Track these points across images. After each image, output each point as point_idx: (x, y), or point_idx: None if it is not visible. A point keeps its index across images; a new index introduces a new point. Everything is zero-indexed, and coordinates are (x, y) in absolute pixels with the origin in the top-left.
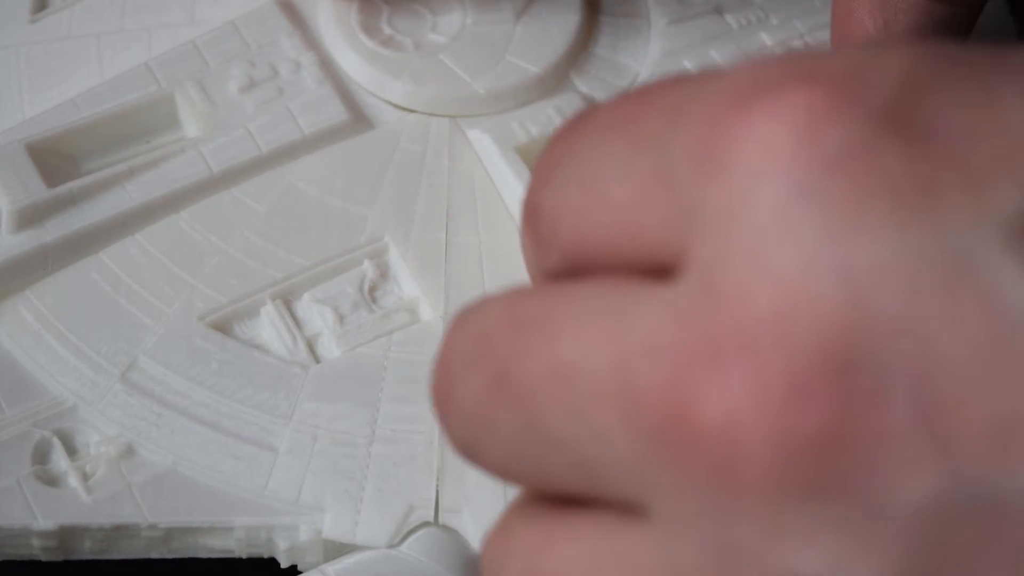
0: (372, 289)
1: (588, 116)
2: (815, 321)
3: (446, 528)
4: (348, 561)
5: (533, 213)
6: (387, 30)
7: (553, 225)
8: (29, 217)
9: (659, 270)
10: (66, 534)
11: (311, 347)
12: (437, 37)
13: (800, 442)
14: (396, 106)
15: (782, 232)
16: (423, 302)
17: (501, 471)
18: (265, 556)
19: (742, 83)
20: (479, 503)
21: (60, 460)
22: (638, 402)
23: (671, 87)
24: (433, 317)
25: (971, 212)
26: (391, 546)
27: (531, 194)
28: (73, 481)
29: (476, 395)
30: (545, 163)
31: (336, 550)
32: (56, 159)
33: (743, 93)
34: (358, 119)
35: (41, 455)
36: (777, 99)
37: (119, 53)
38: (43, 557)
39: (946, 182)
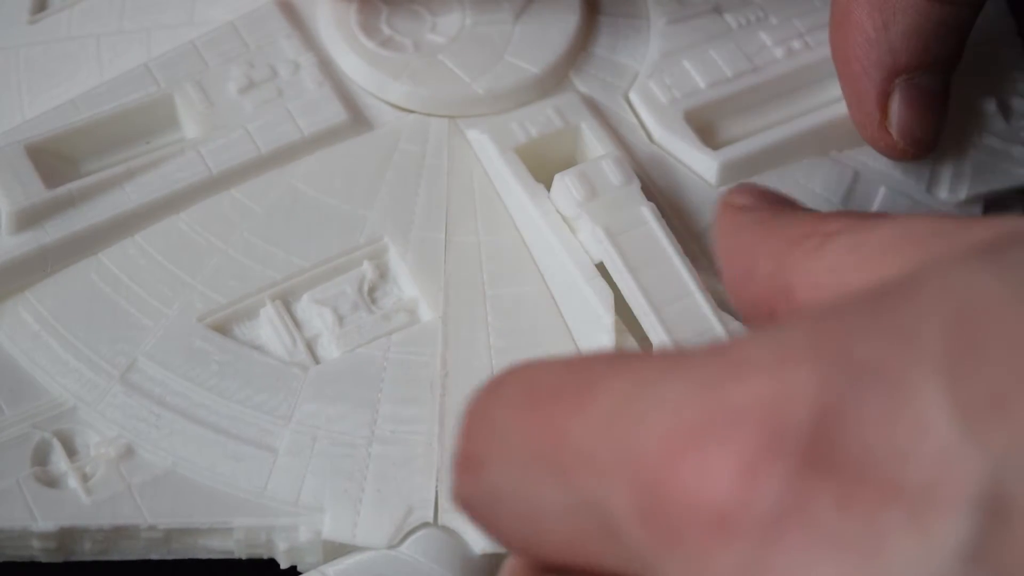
0: (371, 290)
1: (504, 401)
2: None
3: (445, 529)
4: (347, 562)
5: (466, 508)
6: (386, 31)
7: (493, 533)
8: (28, 218)
9: None
10: (66, 535)
11: (310, 348)
12: (436, 38)
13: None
14: (395, 106)
15: None
16: (422, 303)
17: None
18: (265, 557)
19: (667, 433)
20: None
21: (60, 461)
22: None
23: (585, 396)
24: (432, 318)
25: (920, 554)
26: (390, 547)
27: (458, 487)
28: (73, 482)
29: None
30: (467, 454)
31: (336, 551)
32: (55, 160)
33: (672, 449)
34: (357, 120)
35: (41, 456)
36: (705, 459)
37: (118, 54)
38: (43, 558)
39: (888, 523)
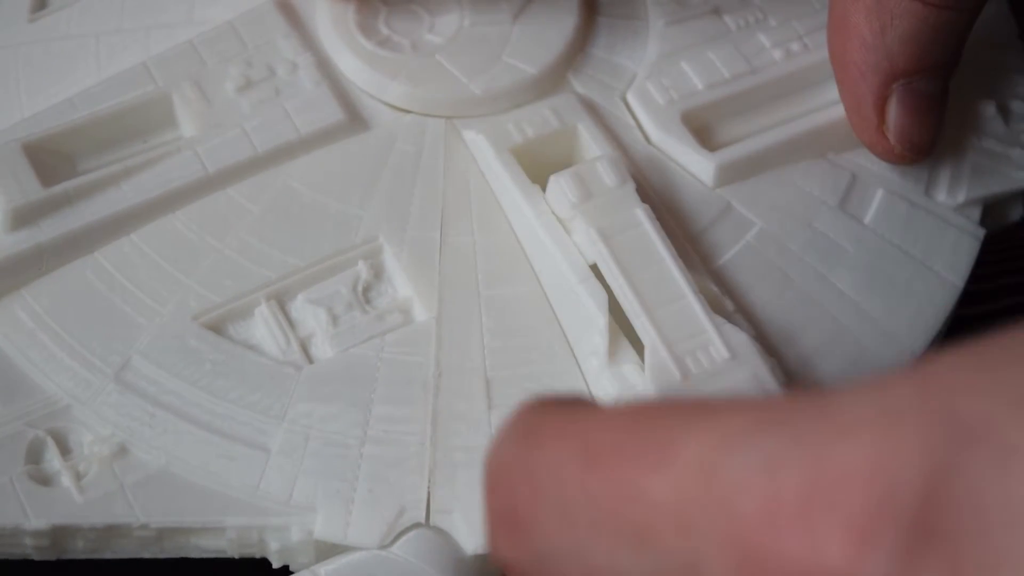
0: (366, 290)
1: (551, 457)
2: None
3: (437, 529)
4: (339, 562)
5: (512, 569)
6: (384, 31)
7: None
8: (25, 216)
9: None
10: (58, 533)
11: (304, 348)
12: (434, 38)
13: None
14: (392, 107)
15: None
16: (417, 303)
17: None
18: (257, 556)
19: (769, 495)
20: (470, 504)
21: (53, 459)
22: None
23: (664, 453)
24: (426, 318)
25: None
26: (382, 547)
27: (503, 548)
28: (66, 481)
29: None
30: (510, 513)
31: (328, 551)
32: (53, 158)
33: (776, 512)
34: (354, 120)
35: (35, 454)
36: (812, 524)
37: (117, 53)
38: (36, 556)
39: None
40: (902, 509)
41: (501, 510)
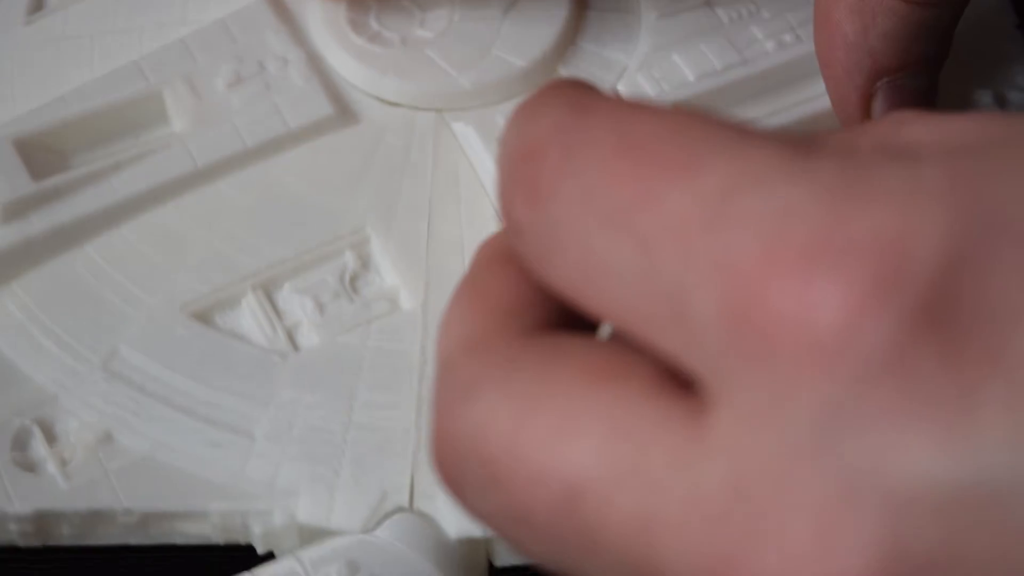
0: (353, 279)
1: (590, 138)
2: (857, 555)
3: (420, 514)
4: (323, 547)
5: (515, 232)
6: (375, 26)
7: (541, 265)
8: (15, 210)
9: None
10: (42, 519)
11: (291, 336)
12: (425, 33)
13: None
14: (383, 101)
15: (819, 451)
16: (403, 291)
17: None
18: (242, 542)
19: (778, 242)
20: None
21: (39, 447)
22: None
23: (690, 169)
24: (413, 306)
25: (1009, 436)
26: (365, 531)
27: (513, 209)
28: (51, 467)
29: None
30: (532, 177)
31: (312, 535)
32: (45, 154)
33: (781, 260)
34: (343, 113)
35: (21, 442)
36: (816, 281)
37: (112, 54)
38: (21, 542)
39: (985, 394)
40: (912, 285)
41: (523, 172)
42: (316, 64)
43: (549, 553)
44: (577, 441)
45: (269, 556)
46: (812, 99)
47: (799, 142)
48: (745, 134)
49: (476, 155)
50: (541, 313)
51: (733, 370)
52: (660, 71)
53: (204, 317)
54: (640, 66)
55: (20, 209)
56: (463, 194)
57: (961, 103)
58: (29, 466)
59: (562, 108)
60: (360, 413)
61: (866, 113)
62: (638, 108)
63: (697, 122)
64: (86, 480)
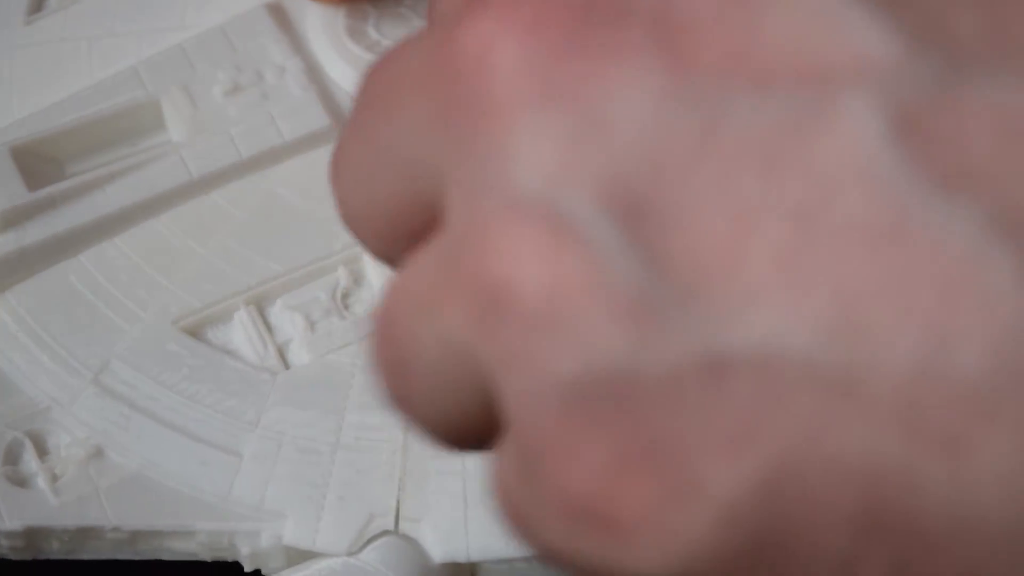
0: (345, 296)
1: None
2: None
3: (405, 537)
4: (308, 569)
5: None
6: (374, 35)
7: None
8: (9, 220)
9: None
10: (33, 535)
11: (281, 353)
12: None
13: (540, 56)
14: None
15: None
16: None
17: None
18: (229, 560)
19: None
20: (439, 513)
21: (31, 461)
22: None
23: None
24: None
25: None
26: (350, 554)
27: None
28: (42, 483)
29: None
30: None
31: (298, 556)
32: (41, 162)
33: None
34: (340, 125)
35: (13, 456)
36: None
37: (109, 57)
38: (12, 556)
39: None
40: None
41: None
42: (314, 73)
43: None
44: None
45: (257, 574)
46: None
47: None
48: None
49: None
50: None
51: (449, 152)
52: None
53: (196, 332)
54: None
55: (15, 218)
56: None
57: None
58: (20, 481)
59: None
60: (348, 434)
61: None
62: None
63: None
64: (76, 496)
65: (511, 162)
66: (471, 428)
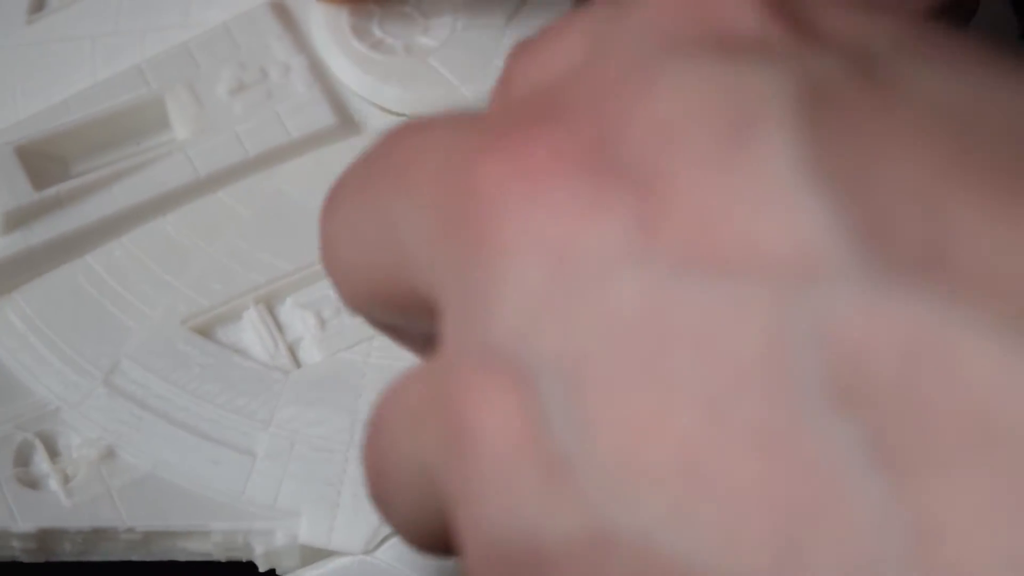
0: None
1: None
2: None
3: None
4: (323, 568)
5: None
6: (378, 33)
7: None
8: (16, 220)
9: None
10: (46, 537)
11: (292, 352)
12: (428, 40)
13: (543, 209)
14: (385, 110)
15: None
16: None
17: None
18: (243, 560)
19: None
20: None
21: (42, 462)
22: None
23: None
24: None
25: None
26: (366, 552)
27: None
28: (54, 484)
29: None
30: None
31: (313, 555)
32: (46, 161)
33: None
34: (346, 123)
35: (23, 457)
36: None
37: (112, 55)
38: (24, 558)
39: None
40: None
41: None
42: (318, 71)
43: None
44: None
45: (271, 573)
46: None
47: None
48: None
49: None
50: None
51: (448, 271)
52: None
53: (206, 331)
54: None
55: (22, 218)
56: None
57: None
58: (32, 483)
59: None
60: (361, 431)
61: None
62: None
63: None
64: (89, 498)
65: (496, 305)
66: (438, 543)
